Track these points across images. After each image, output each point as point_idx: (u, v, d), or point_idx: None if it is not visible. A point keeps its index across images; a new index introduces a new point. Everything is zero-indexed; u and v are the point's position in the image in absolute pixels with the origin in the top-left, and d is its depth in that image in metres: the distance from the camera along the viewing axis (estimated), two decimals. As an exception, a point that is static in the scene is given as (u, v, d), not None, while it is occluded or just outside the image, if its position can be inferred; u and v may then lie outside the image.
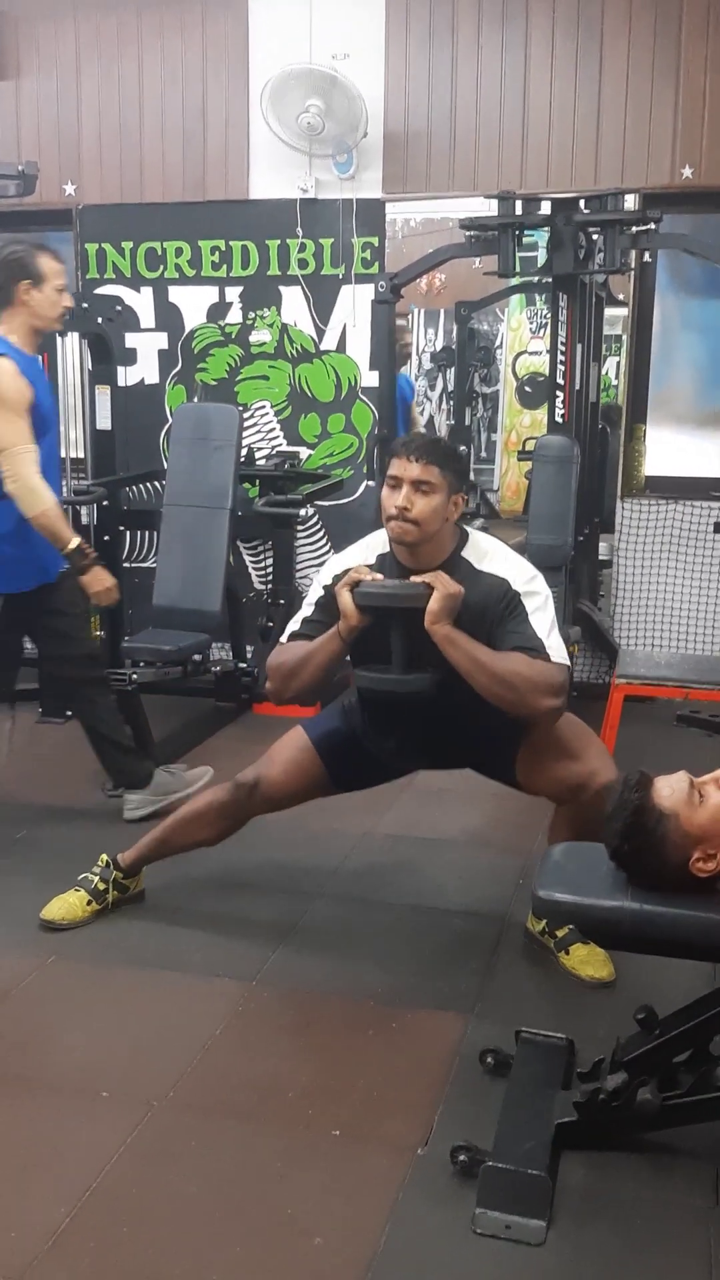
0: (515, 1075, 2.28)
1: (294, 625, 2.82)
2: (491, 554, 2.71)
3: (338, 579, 2.71)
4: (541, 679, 2.53)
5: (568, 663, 2.61)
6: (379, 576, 2.66)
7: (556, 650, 2.58)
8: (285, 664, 2.74)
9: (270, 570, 5.34)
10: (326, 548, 5.38)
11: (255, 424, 5.38)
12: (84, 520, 4.98)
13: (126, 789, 3.76)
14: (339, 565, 2.80)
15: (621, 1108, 2.09)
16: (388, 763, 2.98)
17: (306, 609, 2.80)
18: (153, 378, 5.47)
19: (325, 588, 2.76)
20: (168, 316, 5.41)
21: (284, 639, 2.82)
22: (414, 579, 2.61)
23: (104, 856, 3.10)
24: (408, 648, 2.61)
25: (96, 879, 3.06)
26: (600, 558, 5.38)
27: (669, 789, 2.05)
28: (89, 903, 3.03)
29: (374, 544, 2.81)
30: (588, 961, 2.75)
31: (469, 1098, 2.30)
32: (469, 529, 2.78)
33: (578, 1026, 2.45)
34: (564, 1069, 2.28)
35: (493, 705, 2.59)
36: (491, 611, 2.61)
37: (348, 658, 2.74)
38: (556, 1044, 2.35)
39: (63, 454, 4.77)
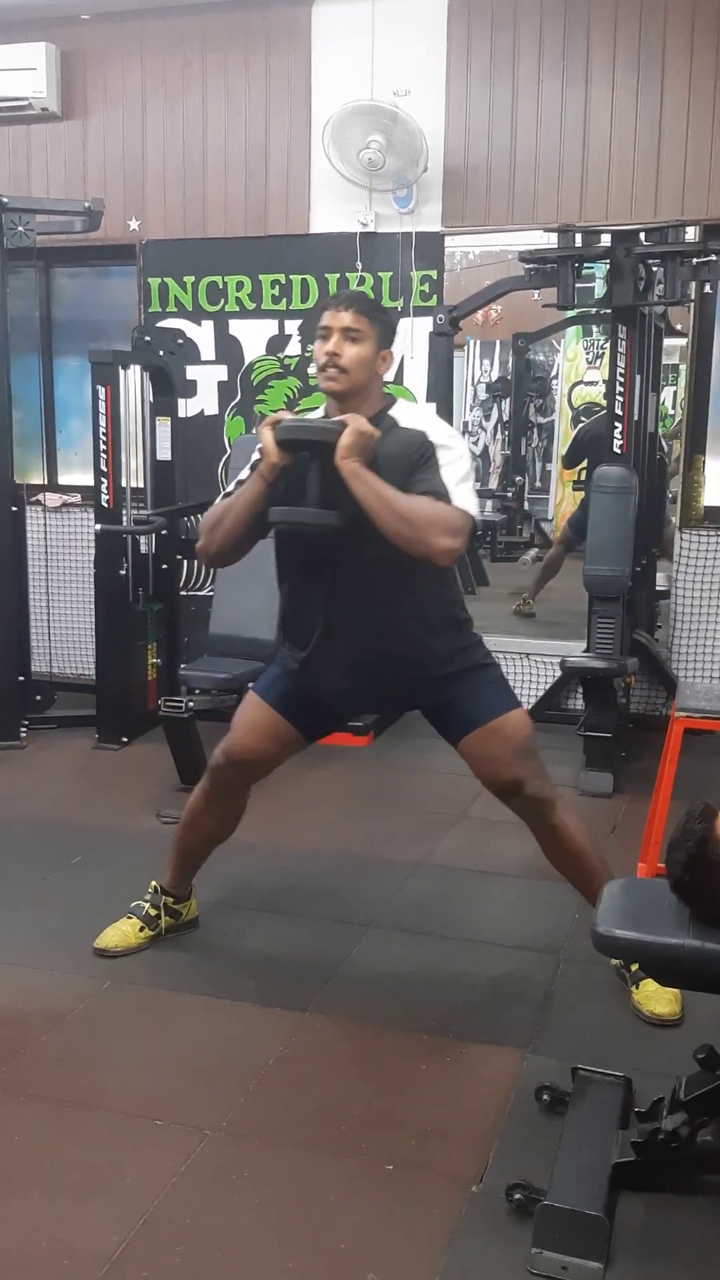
0: (572, 1113, 2.25)
1: (226, 489, 2.84)
2: (417, 414, 2.75)
3: None
4: (441, 518, 2.54)
5: (472, 511, 2.61)
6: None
7: (461, 498, 2.59)
8: (210, 516, 2.77)
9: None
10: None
11: (313, 454, 5.41)
12: (144, 549, 5.04)
13: None
14: None
15: (681, 1148, 2.05)
16: (323, 690, 2.86)
17: (240, 474, 2.79)
18: (212, 409, 5.53)
19: (260, 451, 2.74)
20: (228, 349, 5.48)
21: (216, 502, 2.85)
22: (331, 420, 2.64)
23: (153, 883, 3.11)
24: (322, 485, 2.62)
25: (148, 905, 3.08)
26: (658, 588, 5.34)
27: (732, 822, 2.03)
28: (141, 929, 3.04)
29: (311, 412, 2.85)
30: (652, 998, 2.71)
31: (524, 1134, 2.27)
32: (400, 398, 2.81)
33: (636, 1064, 2.41)
34: (622, 1108, 2.24)
35: (409, 613, 2.64)
36: (407, 460, 2.62)
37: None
38: (614, 1082, 2.31)
39: (123, 483, 4.85)
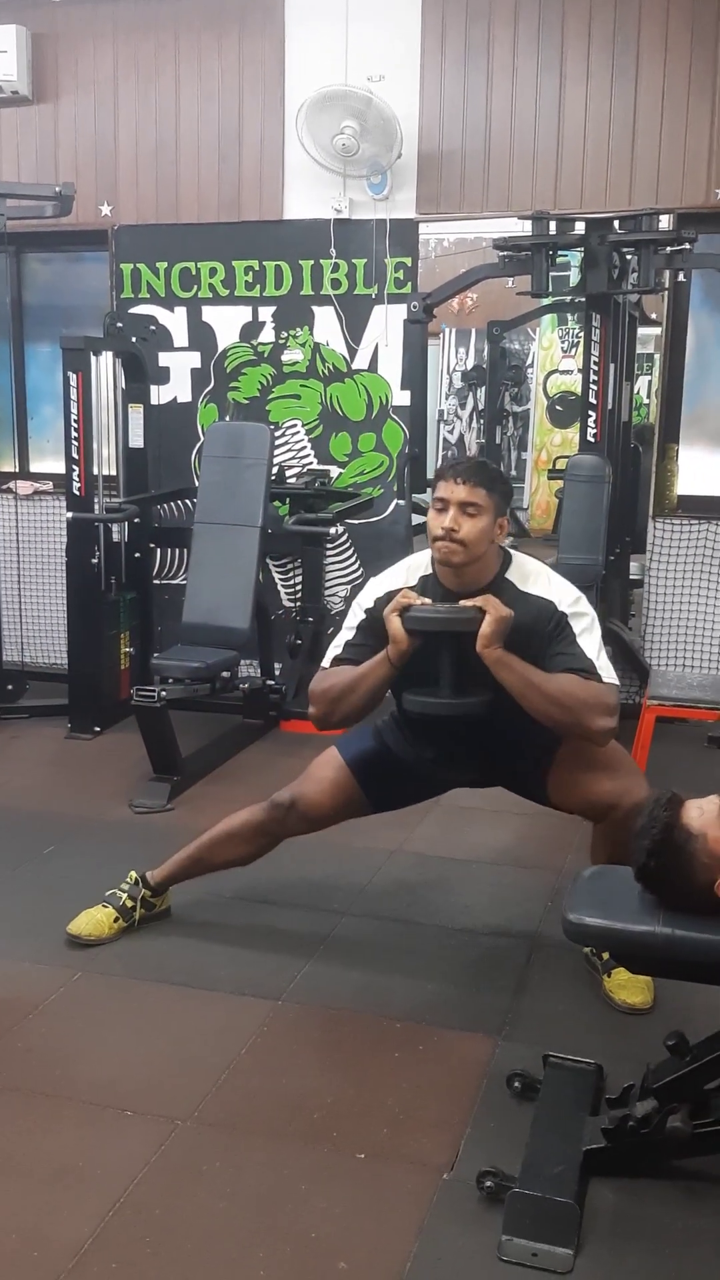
0: (543, 1100, 2.26)
1: (335, 650, 2.79)
2: (535, 575, 2.72)
3: (380, 602, 2.71)
4: (595, 699, 2.54)
5: (618, 682, 2.62)
6: (427, 601, 2.66)
7: (606, 670, 2.59)
8: (332, 689, 2.72)
9: (299, 588, 5.35)
10: (356, 566, 5.38)
11: (286, 442, 5.39)
12: (115, 537, 5.01)
13: None
14: (379, 588, 2.79)
15: (651, 1134, 2.06)
16: (423, 778, 2.95)
17: (348, 632, 2.79)
18: (185, 396, 5.50)
19: (367, 611, 2.75)
20: (201, 336, 5.45)
21: (326, 664, 2.80)
22: (464, 603, 2.61)
23: (133, 874, 3.09)
24: (457, 670, 2.61)
25: (125, 896, 3.05)
26: (631, 577, 5.36)
27: (698, 810, 2.04)
28: (116, 920, 3.02)
29: (415, 565, 2.81)
30: (625, 987, 2.71)
31: (496, 1121, 2.28)
32: (512, 551, 2.79)
33: (607, 1051, 2.42)
34: (592, 1094, 2.25)
35: (535, 724, 2.60)
36: (539, 633, 2.61)
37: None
38: (585, 1069, 2.32)
39: (95, 471, 4.81)
